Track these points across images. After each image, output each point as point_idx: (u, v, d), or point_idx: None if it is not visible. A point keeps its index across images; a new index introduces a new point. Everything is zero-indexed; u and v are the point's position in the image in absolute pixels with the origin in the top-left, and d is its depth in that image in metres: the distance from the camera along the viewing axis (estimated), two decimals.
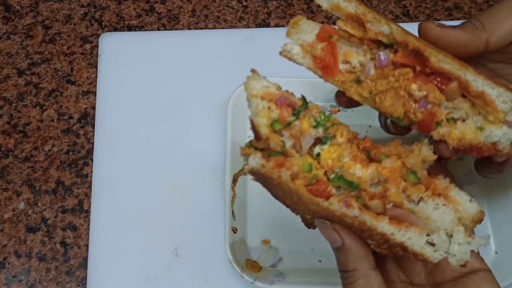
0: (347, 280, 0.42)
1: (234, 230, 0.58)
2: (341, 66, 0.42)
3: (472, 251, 0.39)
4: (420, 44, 0.40)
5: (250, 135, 0.65)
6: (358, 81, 0.42)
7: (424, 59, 0.40)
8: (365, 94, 0.42)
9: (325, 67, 0.43)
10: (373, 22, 0.41)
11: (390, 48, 0.42)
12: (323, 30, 0.42)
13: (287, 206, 0.43)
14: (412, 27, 0.74)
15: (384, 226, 0.38)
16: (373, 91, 0.42)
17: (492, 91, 0.40)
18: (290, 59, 0.45)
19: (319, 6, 0.77)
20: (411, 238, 0.39)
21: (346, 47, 0.43)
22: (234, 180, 0.61)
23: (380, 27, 0.41)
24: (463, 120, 0.42)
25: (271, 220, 0.61)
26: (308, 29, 0.44)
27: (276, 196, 0.43)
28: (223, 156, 0.62)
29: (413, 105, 0.41)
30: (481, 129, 0.41)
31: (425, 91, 0.41)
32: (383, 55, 0.41)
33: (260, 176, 0.40)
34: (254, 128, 0.40)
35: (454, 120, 0.42)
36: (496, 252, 0.60)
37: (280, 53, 0.45)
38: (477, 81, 0.40)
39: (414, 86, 0.41)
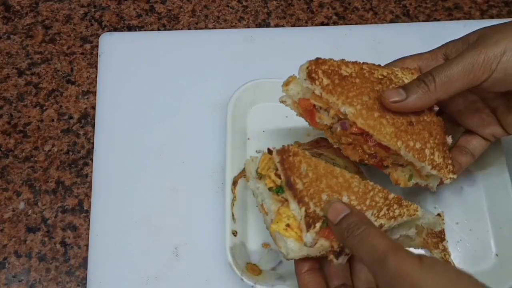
0: (358, 229, 0.44)
1: (234, 233, 0.58)
2: (318, 120, 0.56)
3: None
4: (365, 126, 0.51)
5: (250, 137, 0.66)
6: (331, 131, 0.56)
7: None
8: (335, 140, 0.56)
9: (307, 120, 0.57)
10: (333, 103, 0.52)
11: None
12: (301, 102, 0.55)
13: (295, 196, 0.49)
14: (412, 27, 0.75)
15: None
16: (340, 141, 0.55)
17: (417, 163, 0.53)
18: (286, 106, 0.58)
19: (319, 6, 0.77)
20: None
21: (321, 110, 0.55)
22: (234, 183, 0.61)
23: (340, 108, 0.52)
24: (405, 165, 0.55)
25: None
26: (295, 92, 0.56)
27: (290, 181, 0.49)
28: (223, 156, 0.62)
29: (366, 155, 0.54)
30: (410, 178, 0.55)
31: (374, 151, 0.54)
32: (344, 123, 0.53)
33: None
34: None
35: (399, 165, 0.55)
36: (496, 255, 0.59)
37: (279, 100, 0.58)
38: (407, 156, 0.52)
39: (366, 147, 0.53)
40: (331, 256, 0.49)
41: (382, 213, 0.50)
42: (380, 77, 0.54)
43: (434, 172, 0.53)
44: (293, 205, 0.49)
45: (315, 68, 0.53)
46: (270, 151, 0.53)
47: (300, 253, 0.50)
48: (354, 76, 0.53)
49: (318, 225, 0.48)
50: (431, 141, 0.53)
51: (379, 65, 0.56)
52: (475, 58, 0.49)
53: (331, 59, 0.54)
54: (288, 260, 0.51)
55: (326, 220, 0.48)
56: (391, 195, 0.51)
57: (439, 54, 0.55)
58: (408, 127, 0.52)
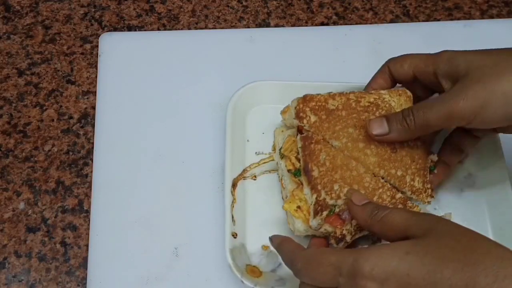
0: (387, 209, 0.47)
1: (234, 235, 0.58)
2: None
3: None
4: (352, 158, 0.55)
5: (249, 139, 0.66)
6: None
7: None
8: None
9: None
10: (324, 133, 0.56)
11: None
12: (301, 128, 0.58)
13: (309, 182, 0.54)
14: (412, 27, 0.75)
15: None
16: None
17: (398, 188, 0.56)
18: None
19: (319, 6, 0.77)
20: None
21: None
22: (234, 185, 0.61)
23: (329, 142, 0.56)
24: None
25: (271, 224, 0.61)
26: (291, 122, 0.60)
27: (307, 168, 0.54)
28: (223, 156, 0.62)
29: None
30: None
31: None
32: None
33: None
34: None
35: None
36: None
37: (279, 126, 0.64)
38: (389, 183, 0.56)
39: None
40: (332, 241, 0.54)
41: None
42: (366, 104, 0.57)
43: (413, 196, 0.57)
44: (306, 190, 0.54)
45: (303, 106, 0.57)
46: (300, 131, 0.58)
47: (305, 233, 0.56)
48: (340, 109, 0.57)
49: (325, 213, 0.53)
50: (412, 167, 0.57)
51: (366, 92, 0.59)
52: (453, 108, 0.50)
53: (318, 94, 0.58)
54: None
55: (334, 208, 0.53)
56: (398, 195, 0.55)
57: (431, 66, 0.55)
58: (391, 155, 0.56)
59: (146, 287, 0.59)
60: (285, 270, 0.58)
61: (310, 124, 0.57)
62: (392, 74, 0.59)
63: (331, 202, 0.53)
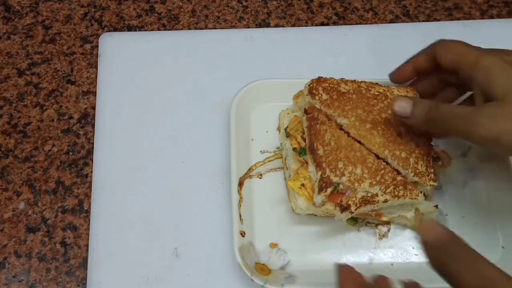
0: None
1: (242, 234, 0.58)
2: None
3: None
4: (357, 135, 0.58)
5: (254, 138, 0.66)
6: None
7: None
8: None
9: None
10: (331, 115, 0.59)
11: None
12: (308, 109, 0.60)
13: (315, 160, 0.56)
14: (412, 27, 0.75)
15: None
16: None
17: (401, 170, 0.58)
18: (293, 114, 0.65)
19: (319, 6, 0.77)
20: None
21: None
22: (240, 184, 0.61)
23: (336, 119, 0.58)
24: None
25: (278, 222, 0.61)
26: (302, 104, 0.62)
27: (313, 146, 0.56)
28: (224, 156, 0.62)
29: None
30: None
31: None
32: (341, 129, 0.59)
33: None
34: None
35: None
36: (503, 247, 0.60)
37: (291, 110, 0.66)
38: (393, 163, 0.57)
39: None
40: (337, 209, 0.55)
41: (388, 190, 0.56)
42: (376, 93, 0.60)
43: (416, 179, 0.58)
44: (311, 167, 0.57)
45: (316, 85, 0.60)
46: (306, 112, 0.59)
47: (306, 211, 0.58)
48: (351, 93, 0.60)
49: (329, 190, 0.55)
50: (416, 152, 0.58)
51: (377, 83, 0.62)
52: (475, 131, 0.50)
53: (332, 78, 0.61)
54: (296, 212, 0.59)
55: (338, 186, 0.55)
56: (399, 177, 0.57)
57: (468, 70, 0.54)
58: (397, 138, 0.58)
59: (146, 287, 0.59)
60: (293, 267, 0.59)
61: (321, 100, 0.59)
62: (436, 56, 0.57)
63: (335, 179, 0.55)
